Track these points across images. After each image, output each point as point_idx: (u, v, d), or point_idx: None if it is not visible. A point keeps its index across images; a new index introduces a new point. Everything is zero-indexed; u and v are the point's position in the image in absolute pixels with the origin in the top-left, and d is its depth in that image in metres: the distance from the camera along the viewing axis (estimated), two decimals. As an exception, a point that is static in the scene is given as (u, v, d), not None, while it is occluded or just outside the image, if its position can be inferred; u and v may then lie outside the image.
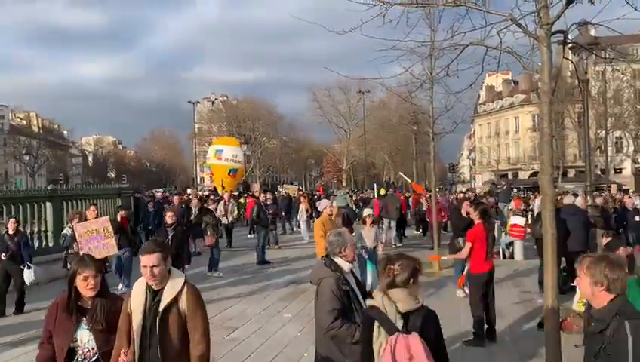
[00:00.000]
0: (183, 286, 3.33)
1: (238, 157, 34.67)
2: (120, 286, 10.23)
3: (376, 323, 2.92)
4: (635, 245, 11.42)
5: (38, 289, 10.87)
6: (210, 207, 15.94)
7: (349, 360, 3.61)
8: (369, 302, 3.07)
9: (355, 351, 3.61)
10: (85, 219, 9.15)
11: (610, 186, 26.87)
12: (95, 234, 8.80)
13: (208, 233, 12.46)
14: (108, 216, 12.46)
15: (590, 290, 2.85)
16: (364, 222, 9.53)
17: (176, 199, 16.82)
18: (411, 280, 3.01)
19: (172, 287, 3.31)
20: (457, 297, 9.40)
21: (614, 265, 2.82)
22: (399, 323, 2.89)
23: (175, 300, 3.28)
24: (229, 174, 33.36)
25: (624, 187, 38.89)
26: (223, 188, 29.39)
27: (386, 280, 2.99)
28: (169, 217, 9.08)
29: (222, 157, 34.60)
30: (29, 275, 8.98)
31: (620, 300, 2.78)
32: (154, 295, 3.32)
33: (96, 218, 9.27)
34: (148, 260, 3.26)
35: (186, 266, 9.02)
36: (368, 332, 2.97)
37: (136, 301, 3.36)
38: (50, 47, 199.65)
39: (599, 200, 15.03)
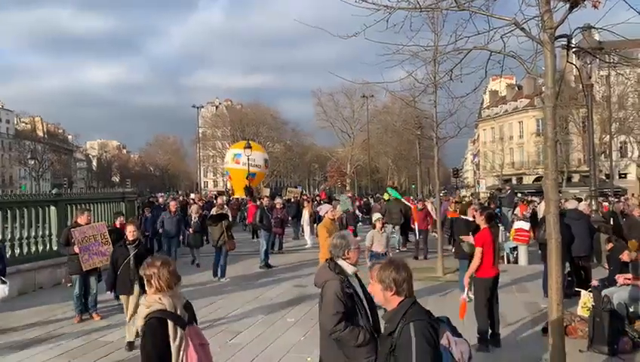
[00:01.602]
0: None
1: (256, 162, 34.47)
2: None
3: (170, 323, 3.18)
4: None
5: (42, 292, 10.91)
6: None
7: None
8: (153, 307, 3.28)
9: (359, 353, 3.60)
10: (78, 225, 8.99)
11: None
12: (93, 240, 8.76)
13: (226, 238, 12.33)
14: (104, 221, 12.43)
15: (382, 296, 2.90)
16: (375, 227, 9.50)
17: (172, 205, 15.27)
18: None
19: None
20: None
21: (400, 268, 2.89)
22: (185, 317, 3.28)
23: None
24: (247, 178, 33.24)
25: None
26: (228, 191, 29.35)
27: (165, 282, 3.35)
28: (130, 232, 7.48)
29: (240, 161, 34.44)
30: (1, 291, 8.08)
31: (407, 302, 2.84)
32: None
33: (88, 223, 9.09)
34: None
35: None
36: (164, 334, 3.18)
37: None
38: (56, 53, 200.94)
39: (619, 206, 14.99)
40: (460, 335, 3.00)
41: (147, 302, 3.34)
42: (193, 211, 15.30)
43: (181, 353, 3.19)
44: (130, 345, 6.92)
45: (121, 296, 7.45)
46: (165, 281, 3.33)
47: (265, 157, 39.66)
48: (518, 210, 19.07)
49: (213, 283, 11.77)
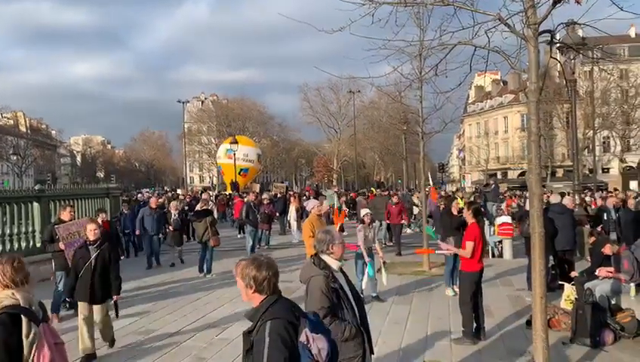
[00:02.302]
0: None
1: (249, 157, 34.24)
2: None
3: (25, 319, 3.12)
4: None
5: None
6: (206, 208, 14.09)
7: (340, 357, 3.61)
8: (5, 302, 3.19)
9: (346, 348, 3.61)
10: (61, 221, 8.85)
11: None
12: (77, 236, 8.67)
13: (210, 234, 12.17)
14: (88, 217, 12.27)
15: (245, 293, 2.89)
16: (363, 222, 9.50)
17: (153, 201, 14.23)
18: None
19: None
20: (446, 296, 9.45)
21: (262, 265, 2.86)
22: (40, 314, 3.25)
23: None
24: (239, 173, 32.98)
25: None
26: (215, 186, 29.06)
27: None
28: (90, 232, 6.65)
29: (232, 156, 34.06)
30: None
31: (268, 301, 2.82)
32: None
33: (71, 220, 8.90)
34: None
35: (114, 297, 6.76)
36: (16, 329, 3.10)
37: None
38: (39, 46, 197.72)
39: (612, 200, 15.02)
40: (321, 331, 2.94)
41: None
42: (172, 208, 14.38)
43: (34, 350, 3.12)
44: (89, 357, 6.39)
45: (79, 303, 6.59)
46: (9, 278, 3.24)
47: (258, 152, 39.45)
48: (503, 205, 19.23)
49: (200, 279, 11.73)
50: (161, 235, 13.83)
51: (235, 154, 33.84)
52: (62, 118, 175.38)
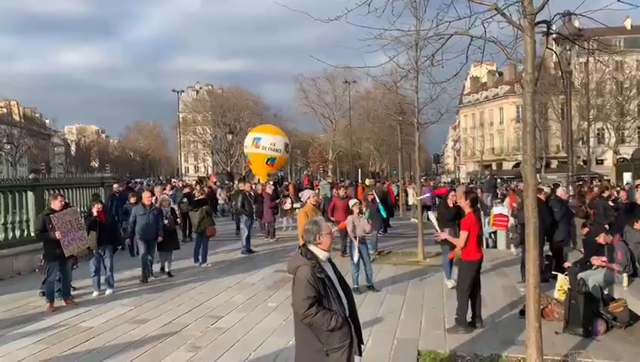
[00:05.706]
0: None
1: (276, 146, 34.00)
2: (94, 293, 9.28)
3: None
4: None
5: (20, 279, 10.79)
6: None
7: (326, 347, 3.64)
8: None
9: (333, 337, 3.63)
10: (52, 211, 8.71)
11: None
12: (69, 226, 8.68)
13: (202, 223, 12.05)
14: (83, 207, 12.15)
15: None
16: (352, 212, 9.61)
17: (146, 196, 11.02)
18: None
19: None
20: (441, 285, 9.49)
21: None
22: None
23: None
24: (266, 163, 32.82)
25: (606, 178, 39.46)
26: (209, 177, 28.94)
27: None
28: None
29: (260, 145, 33.85)
30: None
31: None
32: None
33: (61, 208, 8.81)
34: None
35: None
36: None
37: None
38: (32, 35, 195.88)
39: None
40: None
41: None
42: (164, 206, 11.53)
43: None
44: None
45: None
46: None
47: (285, 142, 38.94)
48: (506, 201, 19.04)
49: (195, 269, 11.73)
50: (160, 239, 10.87)
51: (229, 144, 33.68)
52: (55, 108, 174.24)
